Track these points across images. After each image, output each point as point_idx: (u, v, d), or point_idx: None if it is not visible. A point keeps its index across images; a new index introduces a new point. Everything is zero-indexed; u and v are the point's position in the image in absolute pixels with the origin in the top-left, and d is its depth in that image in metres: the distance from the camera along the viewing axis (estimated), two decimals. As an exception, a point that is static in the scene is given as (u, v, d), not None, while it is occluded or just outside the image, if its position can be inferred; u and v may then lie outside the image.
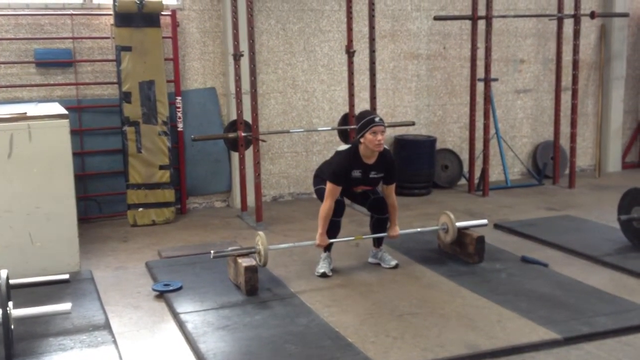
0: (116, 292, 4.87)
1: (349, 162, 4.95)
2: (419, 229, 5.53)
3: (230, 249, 5.02)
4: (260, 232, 4.96)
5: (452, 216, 5.34)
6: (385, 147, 5.05)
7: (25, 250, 5.07)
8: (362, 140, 4.89)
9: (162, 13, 6.77)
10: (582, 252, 5.46)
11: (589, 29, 8.85)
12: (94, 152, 6.96)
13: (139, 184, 6.76)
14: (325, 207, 4.95)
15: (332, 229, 5.09)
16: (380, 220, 5.22)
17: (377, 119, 4.86)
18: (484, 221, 5.60)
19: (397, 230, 5.23)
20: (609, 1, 8.87)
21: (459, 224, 5.38)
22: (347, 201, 5.24)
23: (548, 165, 8.60)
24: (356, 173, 4.97)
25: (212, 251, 4.91)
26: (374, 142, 4.83)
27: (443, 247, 5.60)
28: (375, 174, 5.03)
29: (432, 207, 7.30)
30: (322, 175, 5.16)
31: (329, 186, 4.94)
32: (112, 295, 4.80)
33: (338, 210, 5.03)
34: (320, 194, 5.11)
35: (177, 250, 5.81)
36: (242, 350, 3.83)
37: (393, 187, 5.16)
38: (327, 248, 5.16)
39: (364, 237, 5.27)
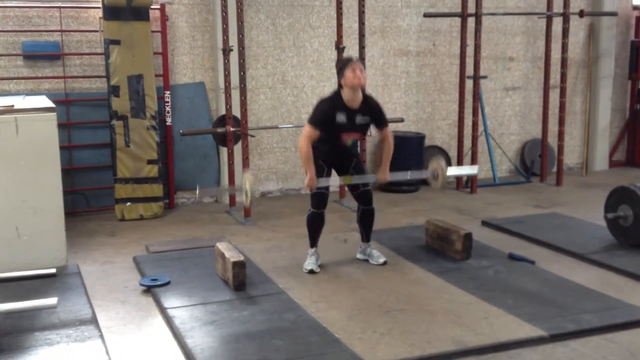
0: (103, 286, 4.85)
1: (332, 104, 4.90)
2: (408, 174, 5.31)
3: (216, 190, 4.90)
4: (248, 171, 4.89)
5: (442, 163, 5.23)
6: (369, 94, 5.05)
7: (12, 244, 5.03)
8: (342, 82, 4.89)
9: (152, 7, 6.73)
10: (569, 249, 5.49)
11: (578, 28, 8.89)
12: (82, 145, 6.92)
13: (126, 178, 6.73)
14: (304, 148, 4.83)
15: (317, 223, 5.09)
16: (366, 212, 5.22)
17: (354, 59, 4.95)
18: (475, 168, 5.47)
19: (387, 173, 5.15)
20: (597, 0, 8.91)
21: (450, 170, 5.24)
22: (333, 197, 5.23)
23: (536, 162, 8.64)
24: (341, 117, 4.88)
25: (197, 187, 4.87)
26: (352, 78, 4.81)
27: (431, 243, 5.62)
28: (362, 118, 4.96)
29: (420, 204, 7.33)
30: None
31: (306, 128, 4.86)
32: (99, 289, 4.78)
33: (321, 201, 5.03)
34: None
35: (165, 245, 5.80)
36: (229, 346, 3.83)
37: (387, 130, 5.12)
38: (314, 243, 5.16)
39: (352, 179, 5.06)
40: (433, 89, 8.38)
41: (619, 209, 5.52)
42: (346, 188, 6.08)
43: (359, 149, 5.30)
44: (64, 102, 6.74)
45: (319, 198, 5.02)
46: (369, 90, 7.56)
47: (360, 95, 4.93)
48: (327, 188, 5.05)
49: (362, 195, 5.18)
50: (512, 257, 5.33)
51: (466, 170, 5.35)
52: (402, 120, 7.73)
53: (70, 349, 3.81)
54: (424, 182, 8.12)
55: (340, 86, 4.94)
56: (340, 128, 4.92)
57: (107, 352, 3.75)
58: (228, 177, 6.97)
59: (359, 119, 4.96)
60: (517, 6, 8.56)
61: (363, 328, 4.05)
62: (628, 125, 9.50)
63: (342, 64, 4.93)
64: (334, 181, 5.12)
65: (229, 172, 6.92)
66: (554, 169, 8.47)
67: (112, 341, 3.93)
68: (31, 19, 6.70)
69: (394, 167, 7.76)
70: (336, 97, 4.95)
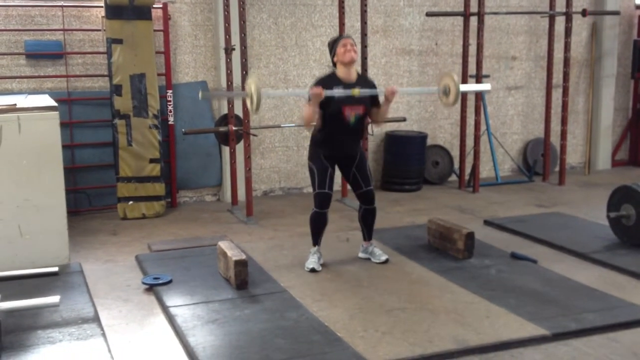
0: (105, 285, 4.85)
1: (329, 79, 4.91)
2: (417, 88, 5.08)
3: (221, 92, 4.71)
4: (253, 73, 4.81)
5: (455, 78, 4.95)
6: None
7: (14, 243, 5.04)
8: (335, 59, 4.93)
9: (154, 6, 6.74)
10: (571, 248, 5.49)
11: (581, 27, 8.88)
12: (84, 144, 6.93)
13: (129, 177, 6.73)
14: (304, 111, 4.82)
15: (320, 222, 5.09)
16: (368, 211, 5.21)
17: (345, 34, 4.98)
18: (487, 85, 5.36)
19: (395, 89, 4.98)
20: (600, -1, 8.91)
21: (463, 86, 5.01)
22: (336, 196, 5.22)
23: (538, 162, 8.63)
24: (339, 89, 4.81)
25: (200, 92, 4.83)
26: (344, 53, 4.84)
27: (433, 242, 5.62)
28: (360, 89, 4.87)
29: (422, 203, 7.32)
30: (311, 152, 5.10)
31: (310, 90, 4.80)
32: (102, 288, 4.78)
33: (325, 202, 5.03)
34: (312, 182, 5.06)
35: (167, 244, 5.80)
36: (231, 344, 3.83)
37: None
38: (317, 241, 5.16)
39: (360, 91, 4.83)
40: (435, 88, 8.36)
41: (622, 208, 5.51)
42: (348, 187, 6.03)
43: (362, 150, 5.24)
44: (66, 101, 6.75)
45: (322, 198, 5.01)
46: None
47: (354, 71, 4.98)
48: (330, 188, 5.04)
49: (365, 195, 5.17)
50: (515, 256, 5.33)
51: (478, 87, 5.21)
52: (404, 120, 7.73)
53: (73, 347, 3.81)
54: (426, 182, 8.16)
55: (334, 65, 4.97)
56: (340, 101, 4.83)
57: (110, 351, 3.76)
58: (230, 176, 6.98)
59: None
60: (520, 5, 8.55)
61: (365, 327, 4.05)
62: (631, 124, 9.48)
63: (333, 41, 4.98)
64: (341, 93, 4.80)
65: (231, 171, 6.93)
66: (557, 168, 8.46)
67: (114, 339, 3.94)
68: (34, 18, 6.71)
69: (396, 165, 7.88)
70: (331, 74, 4.99)
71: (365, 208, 5.21)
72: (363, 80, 5.06)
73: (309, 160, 5.10)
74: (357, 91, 4.82)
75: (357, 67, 5.06)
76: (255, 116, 7.37)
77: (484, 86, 5.19)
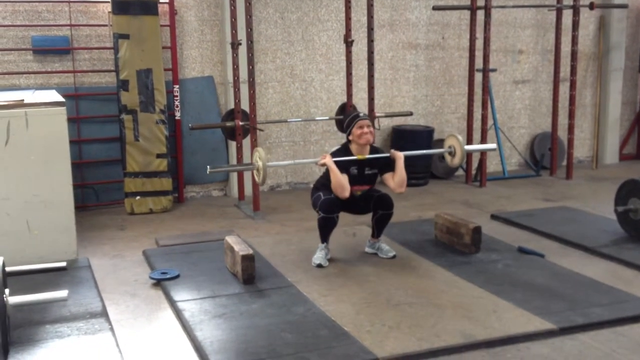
0: (113, 280, 4.87)
1: (343, 156, 5.00)
2: (424, 151, 5.30)
3: (228, 166, 4.84)
4: (259, 148, 4.93)
5: (460, 138, 5.21)
6: (375, 145, 5.13)
7: (23, 238, 5.06)
8: (350, 138, 5.02)
9: (160, 1, 6.74)
10: (579, 243, 5.47)
11: (588, 20, 8.84)
12: (91, 140, 6.95)
13: (136, 172, 6.75)
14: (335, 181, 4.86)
15: (328, 225, 5.05)
16: (384, 216, 5.17)
17: (361, 115, 5.02)
18: (493, 145, 5.50)
19: (400, 156, 5.09)
20: (608, -8, 8.87)
21: (468, 146, 5.23)
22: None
23: (545, 156, 8.60)
24: (353, 170, 4.99)
25: (208, 167, 4.95)
26: (360, 135, 4.93)
27: (440, 237, 5.61)
28: (370, 169, 5.06)
29: (429, 198, 7.32)
30: (318, 186, 5.15)
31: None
32: (109, 283, 4.80)
33: (329, 227, 5.03)
34: (315, 200, 5.06)
35: (175, 239, 5.82)
36: (238, 339, 3.84)
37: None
38: (325, 239, 5.15)
39: (366, 156, 4.98)
40: (442, 82, 8.35)
41: (629, 202, 5.49)
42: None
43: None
44: (73, 97, 6.77)
45: (330, 203, 4.96)
46: (377, 84, 7.59)
47: (368, 148, 5.03)
48: (337, 215, 5.03)
49: (379, 201, 5.14)
50: (522, 251, 5.32)
51: (484, 147, 5.33)
52: (411, 114, 7.72)
53: (81, 341, 3.83)
54: (433, 176, 8.15)
55: (348, 141, 5.04)
56: (352, 180, 4.97)
57: (117, 345, 3.77)
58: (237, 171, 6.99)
59: (367, 170, 5.06)
60: (527, -1, 8.52)
61: (372, 321, 4.05)
62: (638, 118, 9.44)
63: (349, 120, 5.03)
64: (348, 158, 4.98)
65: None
66: (564, 163, 8.43)
67: (122, 334, 3.96)
68: (41, 13, 6.72)
69: (406, 159, 7.82)
70: (345, 150, 5.04)
71: (382, 213, 5.17)
72: (373, 158, 5.06)
73: (315, 187, 5.18)
74: (362, 156, 5.02)
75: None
76: (261, 111, 7.38)
77: (489, 146, 5.36)
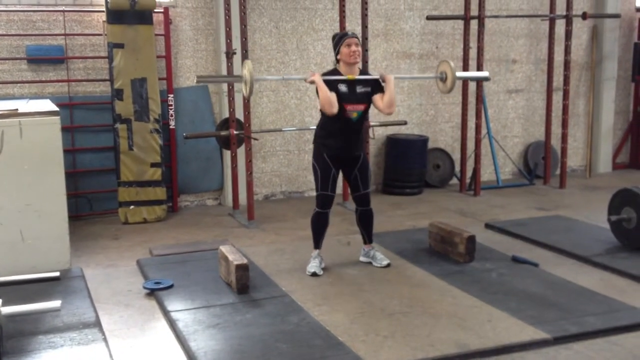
0: (107, 290, 4.86)
1: (333, 74, 4.93)
2: (415, 75, 5.10)
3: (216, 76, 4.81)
4: (248, 61, 4.88)
5: (451, 64, 5.11)
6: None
7: (16, 248, 5.05)
8: (338, 57, 4.93)
9: (155, 10, 6.75)
10: (572, 252, 5.49)
11: (581, 30, 8.89)
12: (86, 149, 6.94)
13: (130, 181, 6.74)
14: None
15: (321, 222, 5.09)
16: (364, 212, 5.21)
17: (349, 33, 4.94)
18: (486, 73, 5.36)
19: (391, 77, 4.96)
20: (600, 2, 8.91)
21: (460, 73, 5.09)
22: (336, 200, 5.22)
23: (539, 165, 8.63)
24: (342, 87, 4.87)
25: (196, 76, 4.90)
26: (349, 54, 4.84)
27: (434, 246, 5.62)
28: (362, 87, 4.94)
29: (423, 207, 7.32)
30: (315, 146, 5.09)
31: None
32: (103, 293, 4.78)
33: (326, 203, 5.04)
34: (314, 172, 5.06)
35: (169, 249, 5.80)
36: (232, 349, 3.83)
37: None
38: (318, 245, 5.16)
39: (356, 77, 4.91)
40: (436, 91, 8.36)
41: (623, 211, 5.51)
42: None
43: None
44: (67, 106, 6.76)
45: (324, 198, 5.03)
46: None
47: (357, 68, 4.97)
48: (333, 190, 5.05)
49: (362, 197, 5.18)
50: (516, 260, 5.33)
51: (476, 74, 5.22)
52: (405, 123, 7.73)
53: (74, 352, 3.81)
54: (428, 185, 8.16)
55: (337, 61, 4.98)
56: (343, 98, 4.87)
57: (111, 356, 3.76)
58: (231, 180, 6.98)
59: (359, 89, 4.94)
60: (520, 9, 8.57)
61: (366, 331, 4.05)
62: (632, 127, 9.48)
63: (337, 39, 4.95)
64: (337, 78, 4.88)
65: (232, 175, 6.93)
66: (557, 172, 8.45)
67: (115, 344, 3.94)
68: (35, 23, 6.72)
69: (397, 168, 7.87)
70: (334, 71, 4.98)
71: (361, 210, 5.22)
72: (364, 74, 5.05)
73: (313, 159, 5.09)
74: (351, 76, 4.89)
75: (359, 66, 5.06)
76: (256, 120, 7.39)
77: (482, 74, 5.18)
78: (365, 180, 5.15)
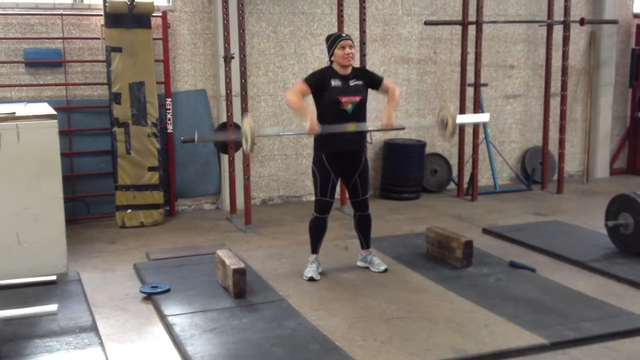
0: (103, 294, 4.84)
1: (324, 72, 4.93)
2: (415, 120, 5.15)
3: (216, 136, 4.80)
4: (248, 115, 4.86)
5: (452, 110, 5.13)
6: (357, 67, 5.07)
7: (13, 251, 5.03)
8: (332, 58, 4.92)
9: (153, 14, 6.75)
10: (570, 257, 5.49)
11: (579, 36, 8.91)
12: (83, 152, 6.93)
13: (127, 185, 6.73)
14: (290, 98, 4.79)
15: (319, 227, 5.09)
16: (362, 217, 5.21)
17: (344, 35, 4.94)
18: (486, 115, 5.36)
19: (392, 118, 4.95)
20: (598, 8, 8.93)
21: (460, 117, 5.10)
22: (335, 204, 5.22)
23: (537, 170, 8.64)
24: (335, 82, 4.86)
25: (196, 132, 4.89)
26: (343, 56, 4.84)
27: (432, 251, 5.61)
28: (355, 81, 4.93)
29: (421, 212, 7.32)
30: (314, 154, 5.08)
31: (296, 83, 4.88)
32: (100, 297, 4.77)
33: (325, 208, 5.03)
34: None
35: (166, 253, 5.79)
36: (229, 353, 3.82)
37: (385, 81, 5.04)
38: (316, 249, 5.15)
39: (355, 127, 4.90)
40: (434, 96, 8.38)
41: (620, 216, 5.52)
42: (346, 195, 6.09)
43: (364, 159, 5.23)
44: (65, 109, 6.76)
45: (323, 204, 5.02)
46: (369, 98, 7.58)
47: (350, 70, 4.97)
48: (332, 196, 5.04)
49: (360, 203, 5.18)
50: (513, 265, 5.33)
51: (476, 118, 5.19)
52: (403, 128, 7.71)
53: (70, 356, 3.80)
54: (425, 190, 8.16)
55: (330, 62, 4.97)
56: (336, 91, 4.85)
57: (107, 360, 3.75)
58: (229, 184, 6.98)
59: (353, 82, 4.93)
60: (518, 14, 8.58)
61: (363, 336, 4.04)
62: (629, 133, 9.50)
63: (332, 40, 4.94)
64: (337, 128, 4.83)
65: (229, 179, 6.93)
66: (555, 177, 8.46)
67: (112, 349, 3.93)
68: (33, 26, 6.72)
69: (395, 173, 7.88)
70: (328, 68, 4.98)
71: (359, 215, 5.22)
72: (357, 71, 5.01)
73: (313, 164, 5.07)
74: (352, 126, 4.86)
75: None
76: (253, 124, 7.37)
77: (482, 117, 5.19)
78: (365, 187, 5.14)
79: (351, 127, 4.86)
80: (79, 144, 6.92)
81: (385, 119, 4.94)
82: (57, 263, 5.18)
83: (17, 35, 6.67)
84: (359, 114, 4.96)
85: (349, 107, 4.88)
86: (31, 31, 6.72)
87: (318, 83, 4.86)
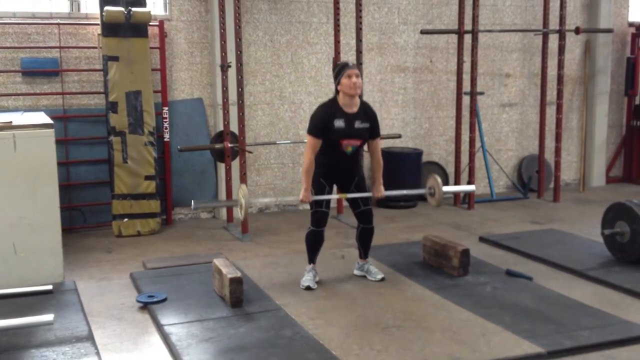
0: (100, 303, 4.83)
1: (329, 110, 4.90)
2: (404, 191, 5.36)
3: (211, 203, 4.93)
4: (243, 185, 4.91)
5: (439, 180, 5.23)
6: (365, 100, 5.06)
7: (9, 261, 5.02)
8: (339, 88, 4.90)
9: (150, 23, 6.77)
10: (566, 265, 5.49)
11: (574, 44, 8.95)
12: (80, 161, 6.92)
13: (124, 194, 6.73)
14: (306, 161, 4.86)
15: (316, 241, 5.08)
16: (366, 230, 5.21)
17: (350, 64, 4.93)
18: (472, 187, 5.52)
19: (382, 190, 5.13)
20: (593, 17, 8.97)
21: (446, 188, 5.28)
22: (331, 213, 5.22)
23: (533, 178, 8.65)
24: (339, 122, 4.86)
25: (192, 202, 4.96)
26: (349, 86, 4.82)
27: (428, 260, 5.61)
28: (360, 123, 4.93)
29: (417, 220, 7.33)
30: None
31: (308, 140, 4.89)
32: (96, 306, 4.76)
33: (321, 220, 5.03)
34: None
35: (162, 262, 5.78)
36: (226, 363, 3.81)
37: (378, 141, 5.08)
38: (313, 260, 5.15)
39: (348, 195, 5.07)
40: (430, 105, 8.41)
41: (616, 225, 5.53)
42: (345, 202, 6.09)
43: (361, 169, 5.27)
44: (62, 118, 6.76)
45: (319, 216, 5.01)
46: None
47: (357, 100, 4.94)
48: (327, 207, 5.04)
49: (363, 214, 5.17)
50: (510, 274, 5.33)
51: (463, 188, 5.36)
52: (399, 136, 7.75)
53: (66, 366, 3.79)
54: (422, 198, 8.16)
55: (337, 91, 4.94)
56: (339, 134, 4.87)
57: (103, 370, 3.74)
58: (226, 193, 6.98)
59: (358, 124, 4.93)
60: (514, 23, 8.62)
61: (360, 345, 4.04)
62: (625, 141, 9.53)
63: (339, 70, 4.93)
64: (329, 197, 5.04)
65: (226, 188, 6.93)
66: (551, 185, 8.48)
67: (108, 358, 3.92)
68: (30, 35, 6.73)
69: (392, 182, 7.84)
70: (333, 103, 4.94)
71: (363, 227, 5.21)
72: (365, 111, 4.99)
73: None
74: (344, 195, 5.06)
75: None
76: (250, 133, 7.40)
77: (468, 188, 5.38)
78: (364, 198, 5.15)
79: (343, 195, 5.07)
80: (76, 153, 6.92)
81: (376, 192, 5.13)
82: (54, 272, 5.17)
83: (14, 45, 6.68)
84: (358, 153, 5.08)
85: (349, 149, 4.96)
86: (28, 40, 6.72)
87: (324, 129, 4.86)
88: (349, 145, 4.92)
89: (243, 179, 6.54)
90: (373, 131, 5.03)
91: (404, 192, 5.32)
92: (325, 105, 4.97)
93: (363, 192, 5.11)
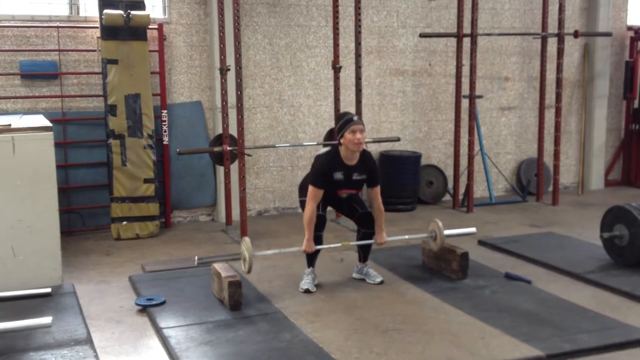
0: (99, 306, 4.83)
1: (329, 163, 4.95)
2: (406, 236, 5.48)
3: (215, 256, 5.01)
4: (246, 238, 4.95)
5: (440, 224, 5.30)
6: (366, 149, 5.09)
7: (7, 263, 5.02)
8: (342, 141, 4.92)
9: (149, 26, 6.77)
10: (565, 269, 5.49)
11: (573, 48, 8.96)
12: (79, 164, 6.92)
13: (123, 197, 6.72)
14: (308, 211, 4.92)
15: (314, 243, 5.08)
16: (367, 235, 5.22)
17: (355, 118, 4.92)
18: (472, 229, 5.61)
19: (384, 237, 5.17)
20: (592, 20, 8.99)
21: (447, 231, 5.35)
22: (330, 216, 5.24)
23: (532, 182, 8.66)
24: (338, 175, 4.95)
25: (196, 257, 4.91)
26: (353, 142, 4.84)
27: (427, 263, 5.61)
28: (358, 175, 5.02)
29: (416, 223, 7.32)
30: (305, 186, 5.15)
31: (310, 190, 4.93)
32: (95, 309, 4.76)
33: (319, 224, 5.03)
34: (304, 205, 5.09)
35: (161, 265, 5.78)
36: (225, 366, 3.81)
37: (377, 189, 5.14)
38: (311, 263, 5.15)
39: (350, 243, 5.25)
40: (429, 108, 8.41)
41: (615, 228, 5.53)
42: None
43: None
44: (61, 121, 6.76)
45: (318, 220, 5.01)
46: (365, 110, 7.63)
47: (358, 155, 4.99)
48: (324, 209, 5.06)
49: (362, 219, 5.18)
50: (509, 277, 5.33)
51: (464, 231, 5.50)
52: (398, 140, 7.75)
53: (65, 369, 3.78)
54: (421, 201, 8.18)
55: (339, 143, 4.97)
56: (337, 185, 5.00)
57: (102, 373, 3.73)
58: (225, 196, 6.97)
59: (356, 176, 5.03)
60: (512, 27, 8.63)
61: (359, 348, 4.03)
62: (623, 144, 9.54)
63: (342, 123, 4.93)
64: (329, 246, 5.18)
65: (225, 191, 6.92)
66: (550, 188, 8.48)
67: (107, 361, 3.92)
68: (29, 38, 6.73)
69: (391, 185, 7.88)
70: (334, 154, 4.98)
71: (364, 232, 5.22)
72: (364, 162, 5.03)
73: (303, 181, 5.14)
74: (347, 243, 5.21)
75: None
76: (250, 136, 7.40)
77: (469, 230, 5.47)
78: (361, 203, 5.20)
79: (346, 243, 5.20)
80: (75, 156, 6.92)
81: (378, 239, 5.17)
82: (52, 275, 5.16)
83: (12, 47, 6.68)
84: (353, 196, 5.19)
85: (344, 195, 5.11)
86: (27, 43, 6.72)
87: (325, 181, 4.94)
88: (345, 193, 5.10)
89: (242, 182, 6.54)
90: (370, 181, 5.11)
91: (406, 236, 5.42)
92: (327, 156, 5.01)
93: (358, 203, 5.19)
